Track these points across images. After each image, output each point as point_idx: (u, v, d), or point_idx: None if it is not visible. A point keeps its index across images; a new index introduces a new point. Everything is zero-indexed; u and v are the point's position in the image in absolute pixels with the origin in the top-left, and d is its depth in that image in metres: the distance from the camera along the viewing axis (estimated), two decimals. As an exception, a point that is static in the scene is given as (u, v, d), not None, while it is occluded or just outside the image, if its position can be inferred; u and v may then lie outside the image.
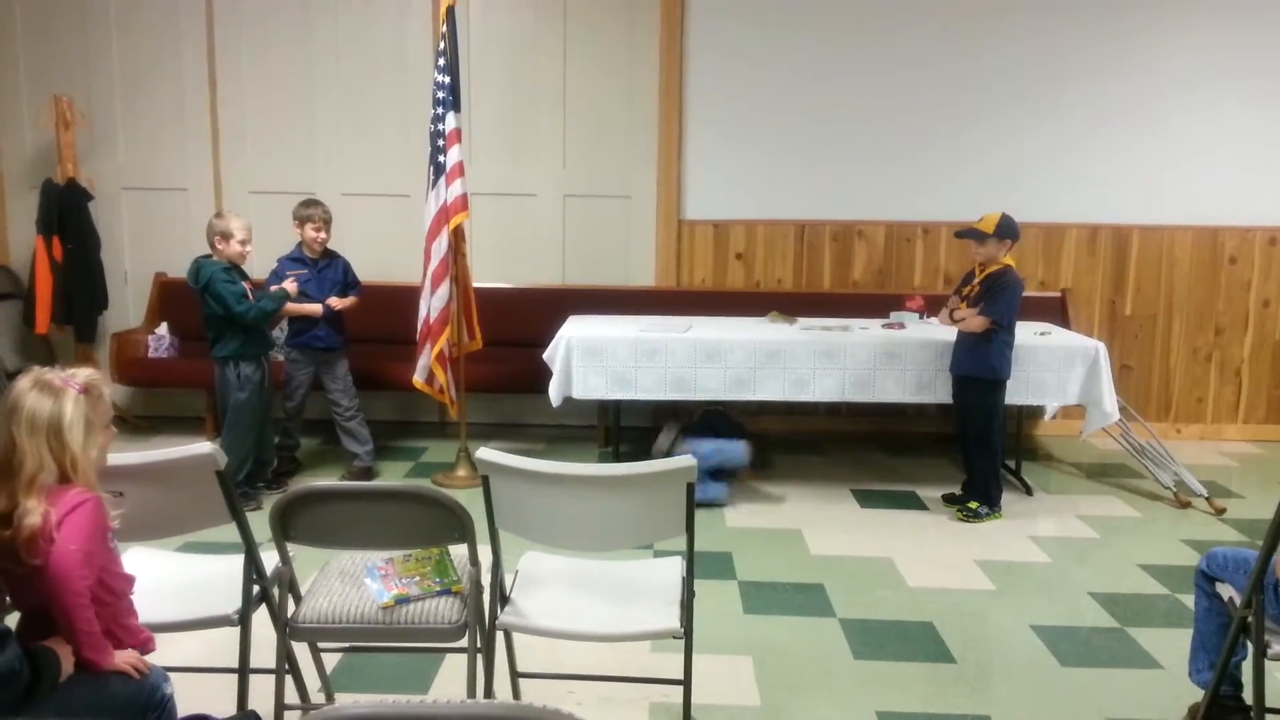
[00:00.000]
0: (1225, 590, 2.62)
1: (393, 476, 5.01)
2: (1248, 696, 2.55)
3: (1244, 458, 5.55)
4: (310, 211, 4.73)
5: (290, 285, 4.50)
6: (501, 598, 2.48)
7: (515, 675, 2.73)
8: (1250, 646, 2.45)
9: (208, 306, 4.36)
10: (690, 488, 2.32)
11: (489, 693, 2.46)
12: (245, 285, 4.36)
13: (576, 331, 4.72)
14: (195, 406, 5.73)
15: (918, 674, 3.05)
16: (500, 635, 2.55)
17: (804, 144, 5.74)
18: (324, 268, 4.81)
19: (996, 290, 4.19)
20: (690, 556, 2.48)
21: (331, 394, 4.90)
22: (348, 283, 4.88)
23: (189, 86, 5.81)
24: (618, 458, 5.20)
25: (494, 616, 2.44)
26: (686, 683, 2.45)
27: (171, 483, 2.35)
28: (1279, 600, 2.45)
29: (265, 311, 4.34)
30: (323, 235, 4.75)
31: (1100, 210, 5.73)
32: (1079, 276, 5.79)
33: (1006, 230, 4.23)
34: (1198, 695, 2.72)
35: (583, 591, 2.59)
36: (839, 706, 2.85)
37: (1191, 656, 2.78)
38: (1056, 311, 5.60)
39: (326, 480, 4.90)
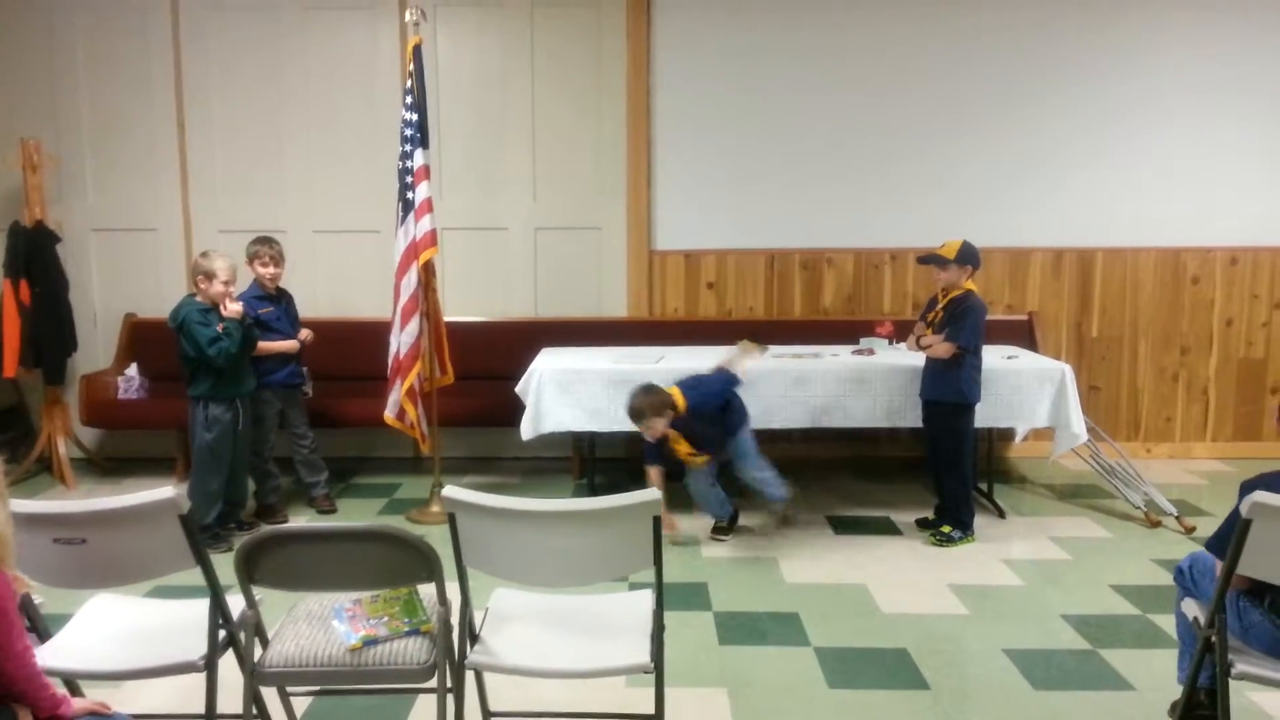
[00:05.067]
0: (1190, 609, 2.65)
1: (366, 514, 4.98)
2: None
3: (1213, 476, 5.61)
4: (257, 249, 4.70)
5: (236, 309, 4.33)
6: (471, 636, 2.47)
7: (487, 715, 2.71)
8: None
9: (181, 346, 4.34)
10: (657, 520, 2.33)
11: (460, 733, 2.44)
12: (220, 328, 4.31)
13: (548, 364, 4.73)
14: (165, 447, 5.68)
15: (892, 702, 3.05)
16: (471, 674, 2.54)
17: (773, 174, 5.81)
18: (287, 304, 4.83)
19: (960, 315, 4.24)
20: (659, 589, 2.48)
21: (298, 428, 4.89)
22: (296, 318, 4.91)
23: (158, 127, 5.81)
24: (593, 490, 5.20)
25: (463, 656, 2.42)
26: (658, 717, 2.44)
27: (134, 528, 2.33)
28: (1240, 617, 2.48)
29: (231, 352, 4.29)
30: (271, 270, 4.71)
31: (1064, 234, 5.82)
32: (1045, 300, 5.87)
33: (967, 257, 4.29)
34: (1167, 718, 2.75)
35: (553, 628, 2.58)
36: (813, 737, 2.85)
37: (1179, 657, 2.82)
38: (1024, 335, 5.66)
39: (295, 516, 4.88)
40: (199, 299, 4.34)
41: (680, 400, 4.24)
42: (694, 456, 4.43)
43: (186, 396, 4.45)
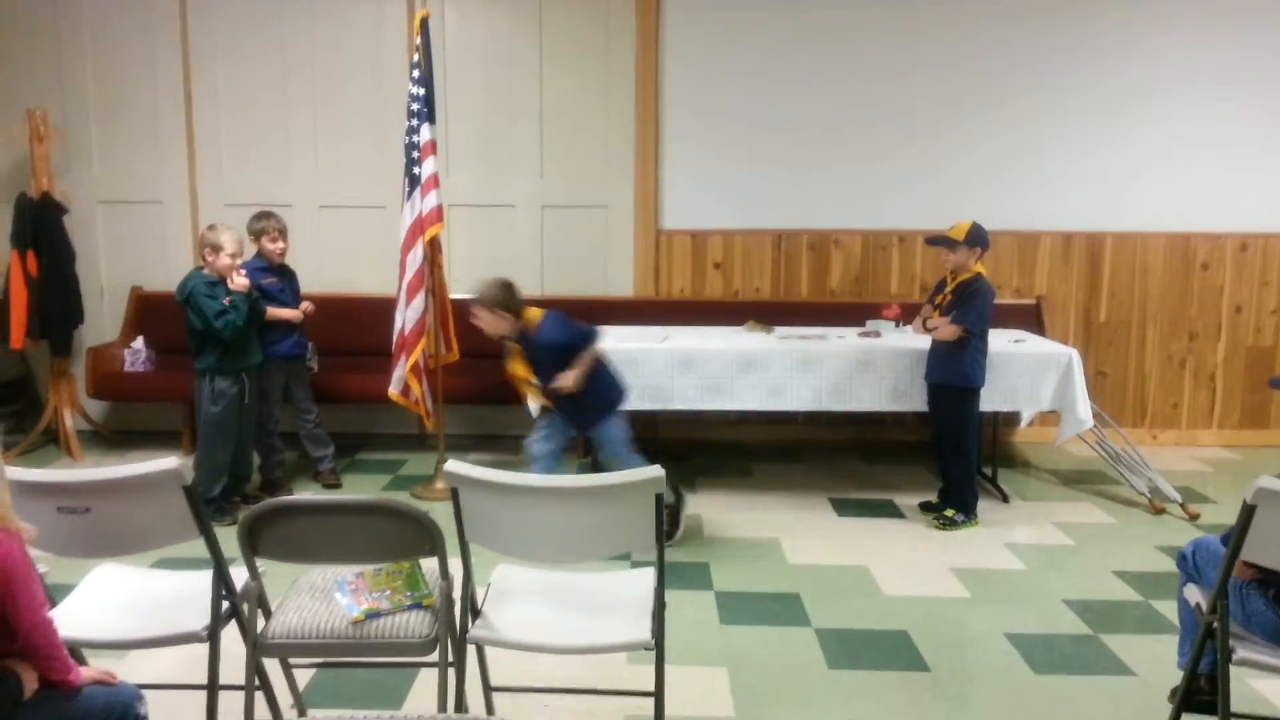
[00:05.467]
0: (1192, 595, 2.64)
1: (371, 489, 5.00)
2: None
3: (1219, 463, 5.59)
4: (263, 224, 4.68)
5: (242, 283, 4.33)
6: (473, 611, 2.48)
7: (488, 689, 2.72)
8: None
9: (188, 319, 4.34)
10: (659, 498, 2.33)
11: (461, 707, 2.46)
12: (226, 301, 4.31)
13: (554, 342, 4.72)
14: (172, 420, 5.69)
15: (892, 683, 3.06)
16: (472, 649, 2.55)
17: (781, 154, 5.77)
18: (290, 278, 4.83)
19: (968, 298, 4.22)
20: (660, 567, 2.48)
21: (302, 403, 4.90)
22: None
23: (164, 99, 5.79)
24: (595, 467, 5.20)
25: (465, 630, 2.43)
26: (659, 694, 2.45)
27: (138, 499, 2.34)
28: (1244, 604, 2.48)
29: (237, 324, 4.29)
30: (280, 245, 4.72)
31: (1074, 217, 5.78)
32: (1054, 284, 5.84)
33: (976, 238, 4.26)
34: (1166, 703, 2.75)
35: (554, 604, 2.59)
36: (812, 717, 2.86)
37: (1180, 642, 2.82)
38: (1032, 319, 5.64)
39: (300, 491, 4.90)
40: (206, 272, 4.34)
41: (532, 320, 3.91)
42: (529, 385, 4.09)
43: (193, 370, 4.45)
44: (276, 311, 4.64)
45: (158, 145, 5.83)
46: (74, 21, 5.74)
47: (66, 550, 2.42)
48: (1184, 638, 2.79)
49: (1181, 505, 4.67)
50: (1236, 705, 2.47)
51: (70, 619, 2.46)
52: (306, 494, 4.84)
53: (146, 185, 5.86)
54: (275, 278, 4.72)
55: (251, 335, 4.47)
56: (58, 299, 5.51)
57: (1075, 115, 5.71)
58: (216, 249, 4.31)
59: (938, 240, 4.36)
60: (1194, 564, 2.71)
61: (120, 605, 2.56)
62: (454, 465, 2.33)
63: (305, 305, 4.79)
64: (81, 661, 2.40)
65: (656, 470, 2.29)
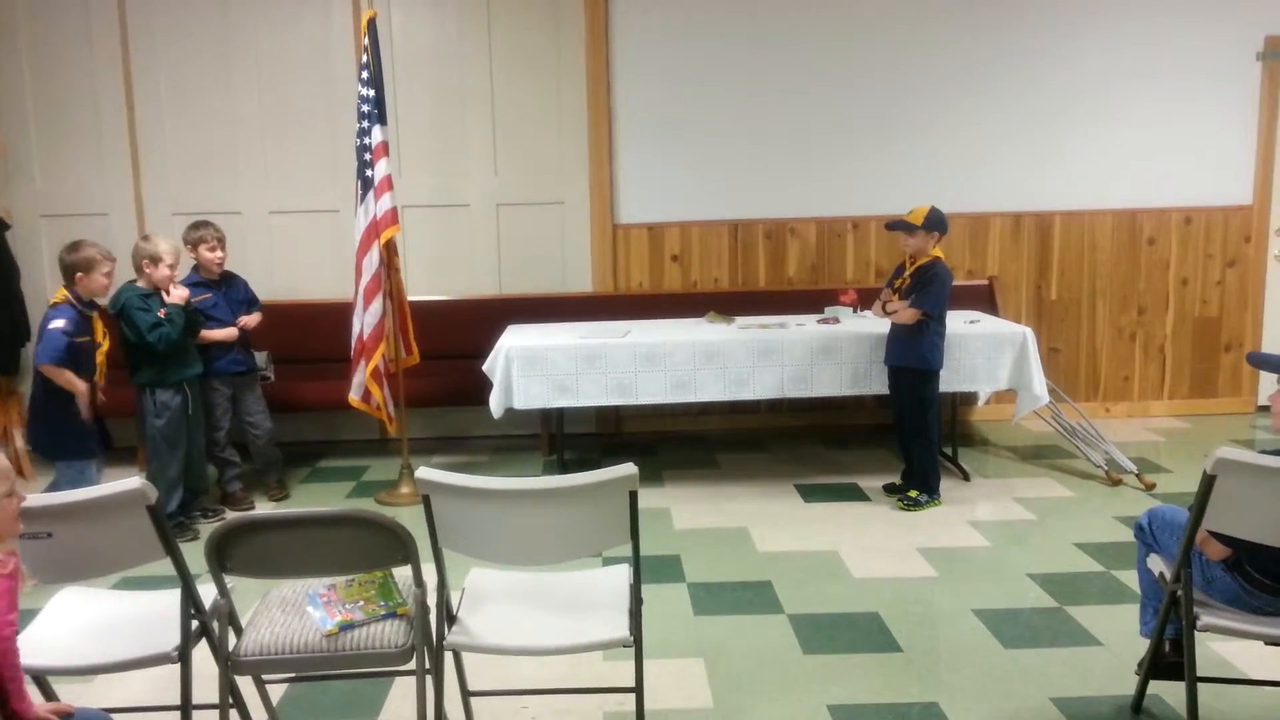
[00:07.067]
0: (1156, 564, 2.71)
1: (334, 497, 4.94)
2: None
3: (1171, 433, 5.72)
4: (201, 233, 4.58)
5: (180, 295, 4.25)
6: (448, 617, 2.47)
7: (466, 695, 2.70)
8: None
9: (123, 333, 4.25)
10: (633, 495, 2.33)
11: (440, 714, 2.44)
12: (161, 313, 4.21)
13: (515, 341, 4.71)
14: (124, 436, 5.56)
15: (866, 665, 3.10)
16: (450, 655, 2.53)
17: (734, 144, 5.79)
18: (227, 289, 4.72)
19: (926, 282, 4.27)
20: (636, 563, 2.49)
21: (253, 416, 4.81)
22: (249, 301, 4.80)
23: (105, 109, 5.66)
24: (562, 466, 5.20)
25: (441, 637, 2.42)
26: (639, 690, 2.46)
27: (101, 521, 2.29)
28: (1203, 570, 2.54)
29: (172, 338, 4.19)
30: (219, 254, 4.61)
31: (1023, 198, 5.87)
32: (1005, 264, 5.93)
33: (934, 223, 4.31)
34: (1133, 674, 2.82)
35: (531, 605, 2.58)
36: (790, 703, 2.88)
37: (1141, 610, 2.87)
38: (985, 299, 5.72)
39: (260, 504, 4.83)
40: (140, 284, 4.25)
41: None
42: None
43: (132, 385, 4.36)
44: (211, 335, 4.53)
45: (101, 156, 5.70)
46: (9, 33, 5.58)
47: (29, 576, 2.37)
48: (1145, 606, 2.86)
49: (1137, 475, 4.77)
50: (1200, 669, 2.54)
51: (35, 646, 2.40)
52: (264, 508, 4.77)
53: (91, 198, 5.73)
54: (209, 292, 4.60)
55: (189, 346, 4.39)
56: (3, 317, 5.35)
57: (1023, 100, 5.79)
58: (155, 260, 4.21)
59: (896, 225, 4.40)
60: (1151, 534, 2.77)
61: (87, 629, 2.51)
62: (425, 472, 2.31)
63: (244, 320, 4.68)
64: (48, 692, 2.36)
65: (629, 468, 2.29)
